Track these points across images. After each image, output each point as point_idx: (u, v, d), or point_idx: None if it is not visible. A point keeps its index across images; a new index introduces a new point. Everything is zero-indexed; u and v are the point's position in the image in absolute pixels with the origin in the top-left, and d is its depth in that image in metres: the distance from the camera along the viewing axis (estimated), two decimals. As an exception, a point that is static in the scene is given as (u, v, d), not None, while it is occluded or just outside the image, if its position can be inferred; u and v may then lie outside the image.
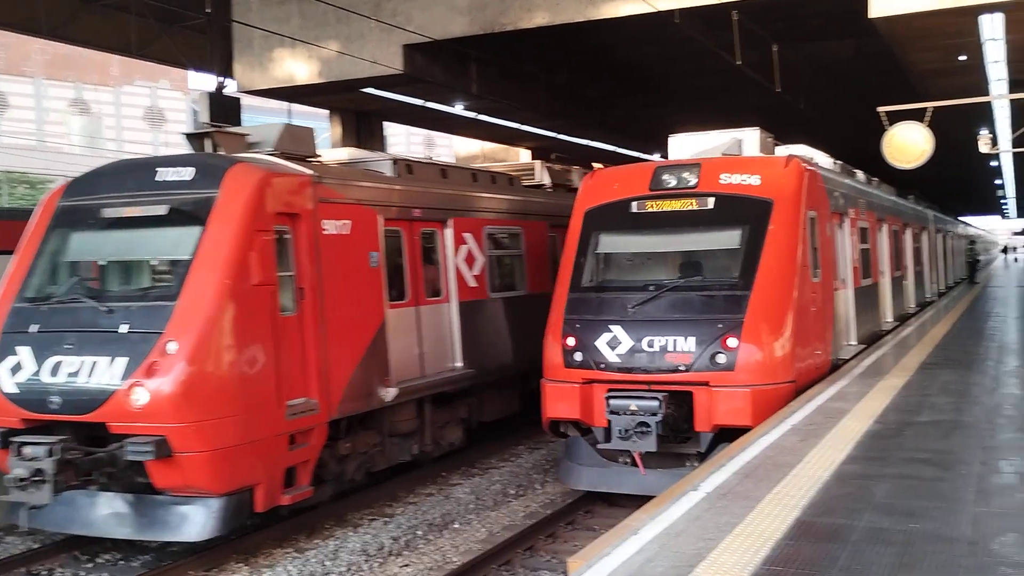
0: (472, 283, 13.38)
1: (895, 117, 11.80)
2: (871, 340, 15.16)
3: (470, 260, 13.29)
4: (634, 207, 11.48)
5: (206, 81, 24.53)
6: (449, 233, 12.92)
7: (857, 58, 24.37)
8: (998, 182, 59.22)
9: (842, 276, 13.24)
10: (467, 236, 13.29)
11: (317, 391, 10.13)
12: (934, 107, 11.56)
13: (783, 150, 13.18)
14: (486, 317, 13.66)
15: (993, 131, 25.97)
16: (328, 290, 10.40)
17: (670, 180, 11.38)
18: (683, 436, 10.52)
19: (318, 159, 11.59)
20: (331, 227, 10.54)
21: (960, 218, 60.90)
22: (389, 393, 11.28)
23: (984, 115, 24.73)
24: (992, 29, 15.40)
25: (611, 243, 11.61)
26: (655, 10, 16.28)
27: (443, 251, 12.90)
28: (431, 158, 15.10)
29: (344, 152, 12.88)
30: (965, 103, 12.59)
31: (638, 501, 8.45)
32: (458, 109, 24.88)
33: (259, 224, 9.57)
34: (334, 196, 10.75)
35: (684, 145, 12.55)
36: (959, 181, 59.55)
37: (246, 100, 22.01)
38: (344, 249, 10.75)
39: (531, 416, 14.65)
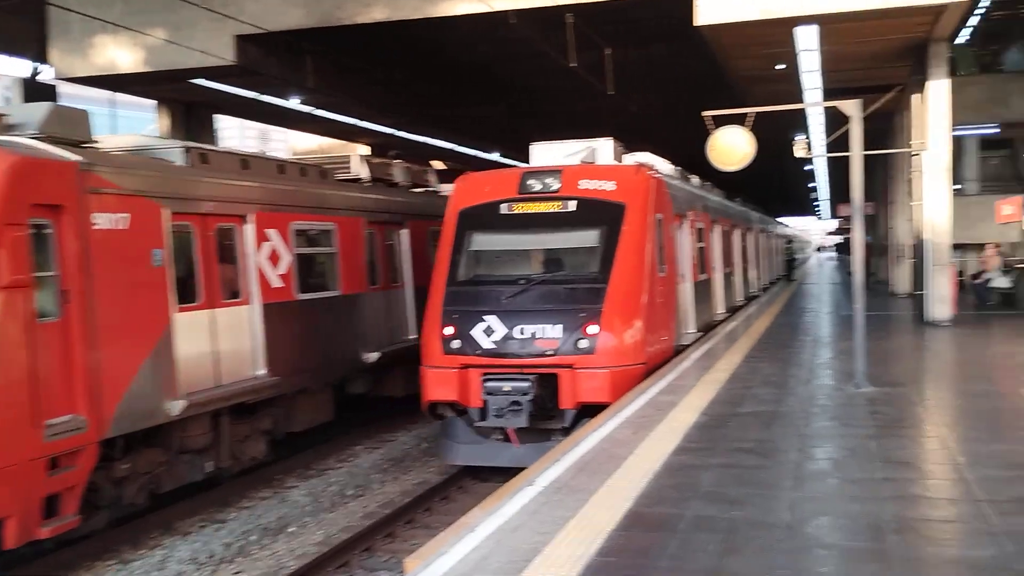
0: (277, 283, 12.62)
1: (719, 121, 12.19)
2: (707, 328, 17.13)
3: (275, 258, 12.61)
4: (504, 208, 12.67)
5: (20, 66, 22.92)
6: (250, 229, 12.04)
7: (685, 63, 25.00)
8: (812, 185, 63.14)
9: (682, 272, 14.82)
10: (271, 232, 12.50)
11: (86, 407, 9.05)
12: (755, 112, 12.04)
13: (630, 158, 14.66)
14: (294, 320, 12.96)
15: (808, 136, 27.54)
16: (100, 292, 9.32)
17: (535, 184, 12.66)
18: (549, 413, 11.59)
19: (93, 145, 10.30)
20: (104, 221, 9.44)
21: (779, 219, 64.73)
22: (176, 406, 10.34)
23: (801, 121, 26.42)
24: (807, 40, 16.19)
25: (484, 241, 12.68)
26: (491, 9, 16.46)
27: (243, 249, 12.01)
28: (264, 153, 13.82)
29: (130, 139, 11.71)
30: (783, 109, 13.19)
31: (508, 475, 9.31)
32: (294, 103, 24.42)
33: (10, 216, 8.37)
34: (108, 186, 9.63)
35: (545, 152, 13.72)
36: (779, 184, 62.97)
37: (69, 89, 20.90)
38: (121, 246, 9.70)
39: (349, 422, 15.10)
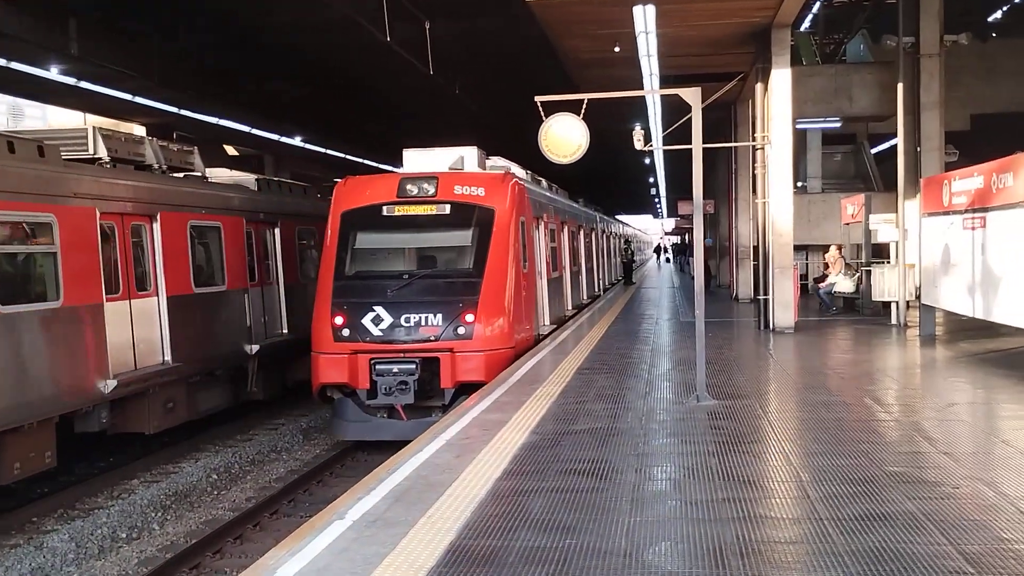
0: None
1: (552, 108, 12.46)
2: (559, 323, 20.61)
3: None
4: (385, 210, 15.42)
5: None
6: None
7: (513, 42, 25.24)
8: (653, 180, 65.36)
9: (540, 269, 18.26)
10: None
11: None
12: (590, 99, 12.32)
13: (491, 162, 18.36)
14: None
15: (647, 127, 28.25)
16: None
17: (413, 189, 15.38)
18: (430, 393, 14.47)
19: None
20: None
21: (618, 217, 68.47)
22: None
23: (642, 111, 27.21)
24: (645, 21, 16.61)
25: (368, 240, 15.49)
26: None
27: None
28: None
29: None
30: (619, 96, 13.50)
31: (395, 447, 10.46)
32: (53, 73, 23.30)
33: None
34: None
35: (417, 159, 16.99)
36: (618, 179, 65.14)
37: None
38: None
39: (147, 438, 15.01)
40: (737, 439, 8.92)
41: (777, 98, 18.84)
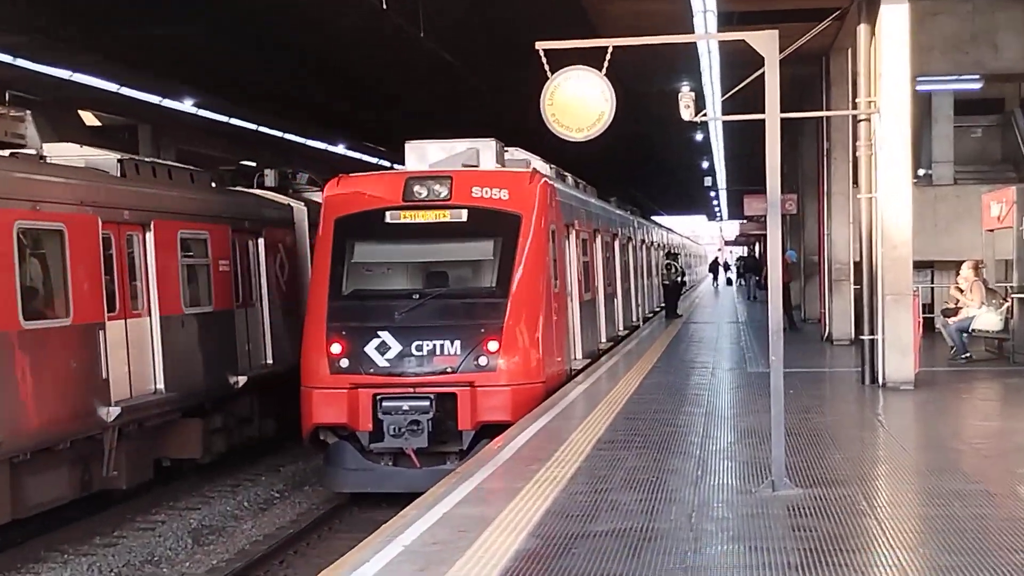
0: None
1: (561, 61, 12.15)
2: (592, 358, 23.14)
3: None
4: (388, 217, 17.87)
5: None
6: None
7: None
8: (705, 165, 63.97)
9: (570, 289, 20.91)
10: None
11: None
12: (616, 46, 11.94)
13: (508, 155, 20.82)
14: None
15: (699, 88, 27.50)
16: None
17: (422, 191, 17.81)
18: (445, 436, 16.81)
19: None
20: None
21: (659, 220, 69.60)
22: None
23: (691, 64, 26.47)
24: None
25: (369, 252, 18.11)
26: None
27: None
28: None
29: None
30: (659, 42, 13.23)
31: (401, 501, 11.55)
32: None
33: None
34: None
35: (422, 153, 19.52)
36: (658, 165, 64.94)
37: None
38: None
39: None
40: (831, 546, 8.78)
41: (889, 46, 18.54)
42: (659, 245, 48.72)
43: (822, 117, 27.22)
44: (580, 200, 23.98)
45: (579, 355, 21.35)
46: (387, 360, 16.64)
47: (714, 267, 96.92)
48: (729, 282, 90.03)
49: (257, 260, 22.30)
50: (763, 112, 11.37)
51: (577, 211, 22.47)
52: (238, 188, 24.40)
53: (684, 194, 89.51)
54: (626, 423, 15.35)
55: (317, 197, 23.77)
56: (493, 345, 16.70)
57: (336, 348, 16.81)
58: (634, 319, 34.86)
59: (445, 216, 17.54)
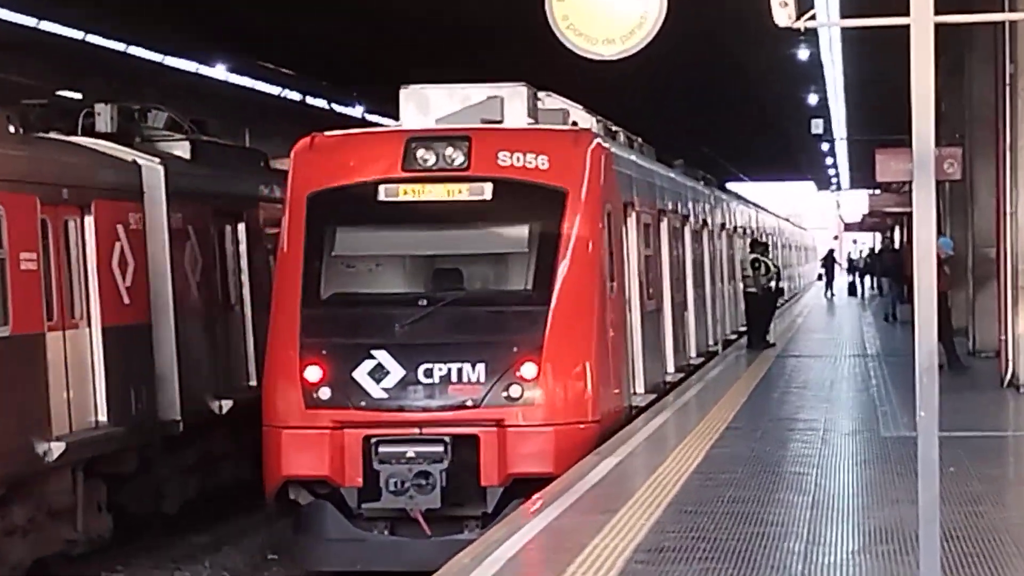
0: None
1: None
2: (657, 392, 22.54)
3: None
4: (383, 193, 17.82)
5: None
6: None
7: None
8: (813, 102, 57.50)
9: (629, 295, 20.36)
10: None
11: None
12: None
13: (542, 105, 20.36)
14: None
15: None
16: None
17: (429, 157, 17.75)
18: (462, 494, 16.70)
19: None
20: None
21: (736, 187, 64.14)
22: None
23: None
24: None
25: (356, 242, 18.04)
26: None
27: None
28: None
29: None
30: None
31: None
32: None
33: None
34: None
35: (422, 102, 19.14)
36: (735, 102, 59.00)
37: None
38: None
39: None
40: None
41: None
42: (744, 231, 45.62)
43: (1003, 24, 25.03)
44: (642, 168, 23.41)
45: (640, 387, 20.99)
46: (384, 390, 16.73)
47: (827, 265, 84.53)
48: (852, 290, 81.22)
49: (82, 252, 20.11)
50: (905, 14, 10.43)
51: (638, 184, 22.15)
52: (52, 135, 22.04)
53: (779, 149, 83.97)
54: (682, 519, 14.25)
55: (182, 152, 23.42)
56: (530, 370, 16.76)
57: (314, 373, 16.80)
58: (710, 341, 33.60)
59: (462, 192, 17.83)
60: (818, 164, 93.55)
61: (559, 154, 17.78)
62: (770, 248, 40.77)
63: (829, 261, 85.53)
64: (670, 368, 24.88)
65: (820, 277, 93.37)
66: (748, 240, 41.89)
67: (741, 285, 38.28)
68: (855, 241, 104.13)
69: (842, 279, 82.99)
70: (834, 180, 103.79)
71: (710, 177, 38.97)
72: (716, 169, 51.29)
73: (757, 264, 36.59)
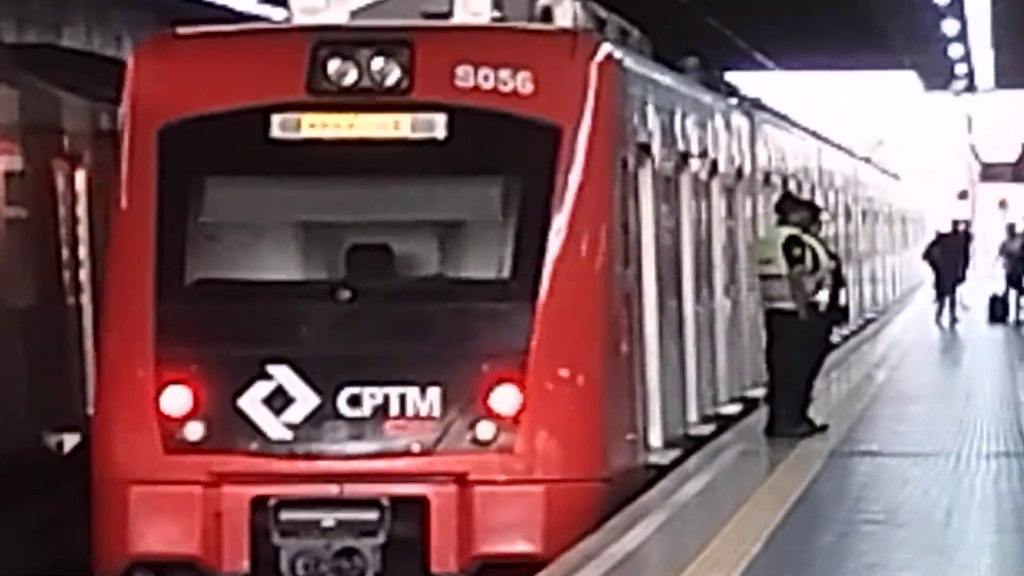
0: None
1: None
2: (679, 448, 18.19)
3: None
4: (277, 127, 14.18)
5: None
6: None
7: None
8: None
9: (646, 287, 16.72)
10: None
11: None
12: None
13: None
14: None
15: None
16: None
17: (348, 70, 14.21)
18: None
19: None
20: None
21: (771, 82, 47.57)
22: None
23: None
24: None
25: (238, 201, 14.27)
26: None
27: None
28: None
29: None
30: None
31: None
32: None
33: None
34: None
35: None
36: None
37: None
38: None
39: None
40: None
41: None
42: (789, 181, 31.89)
43: None
44: (662, 89, 18.66)
45: (658, 437, 16.64)
46: (286, 424, 13.08)
47: (945, 256, 50.54)
48: (997, 310, 48.29)
49: None
50: None
51: (660, 114, 17.74)
52: None
53: (838, 8, 45.78)
54: None
55: None
56: (507, 397, 13.10)
57: (176, 400, 13.17)
58: (746, 379, 25.07)
59: (400, 127, 13.95)
60: (926, 38, 49.07)
61: (545, 69, 14.01)
62: (822, 218, 24.84)
63: (953, 246, 51.06)
64: (693, 412, 20.04)
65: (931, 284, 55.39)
66: (775, 197, 27.36)
67: (757, 295, 24.49)
68: (1003, 209, 58.97)
69: (978, 288, 47.90)
70: (962, 70, 55.46)
71: (729, 84, 29.36)
72: (730, 53, 38.35)
73: (794, 250, 21.24)
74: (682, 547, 15.32)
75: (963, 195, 74.88)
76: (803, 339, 20.93)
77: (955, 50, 50.41)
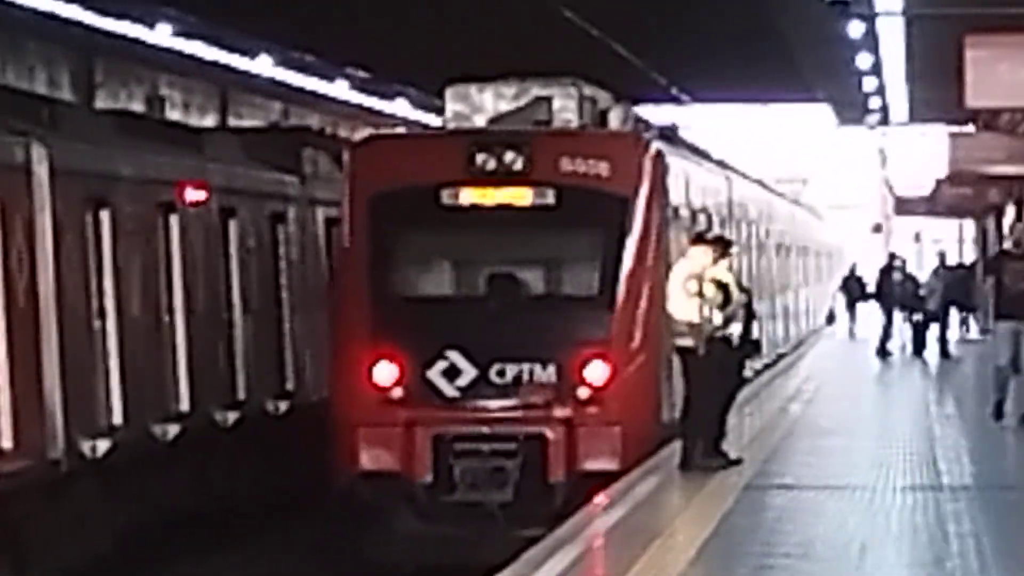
0: None
1: None
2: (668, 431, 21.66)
3: None
4: (446, 197, 19.80)
5: None
6: None
7: None
8: None
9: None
10: None
11: None
12: None
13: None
14: None
15: None
16: None
17: (490, 162, 19.66)
18: (525, 491, 18.88)
19: None
20: None
21: (680, 110, 47.25)
22: None
23: None
24: None
25: (424, 243, 20.22)
26: None
27: None
28: None
29: None
30: None
31: None
32: None
33: None
34: None
35: (467, 99, 21.05)
36: None
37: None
38: None
39: None
40: None
41: None
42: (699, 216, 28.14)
43: None
44: (682, 168, 24.27)
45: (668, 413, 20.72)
46: (457, 389, 18.89)
47: (849, 286, 52.62)
48: (919, 346, 43.64)
49: None
50: None
51: (682, 186, 23.36)
52: None
53: (759, 42, 46.37)
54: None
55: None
56: (598, 370, 19.04)
57: (387, 373, 18.93)
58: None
59: (524, 198, 19.85)
60: (840, 72, 47.34)
61: (618, 158, 20.09)
62: (732, 252, 21.10)
63: (851, 284, 51.51)
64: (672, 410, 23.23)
65: (832, 318, 57.56)
66: (689, 233, 24.13)
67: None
68: (919, 242, 61.90)
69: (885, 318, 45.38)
70: (876, 103, 54.43)
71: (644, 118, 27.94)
72: (643, 85, 38.15)
73: (706, 288, 19.43)
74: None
75: (877, 228, 71.92)
76: (712, 374, 19.90)
77: (869, 83, 48.57)
